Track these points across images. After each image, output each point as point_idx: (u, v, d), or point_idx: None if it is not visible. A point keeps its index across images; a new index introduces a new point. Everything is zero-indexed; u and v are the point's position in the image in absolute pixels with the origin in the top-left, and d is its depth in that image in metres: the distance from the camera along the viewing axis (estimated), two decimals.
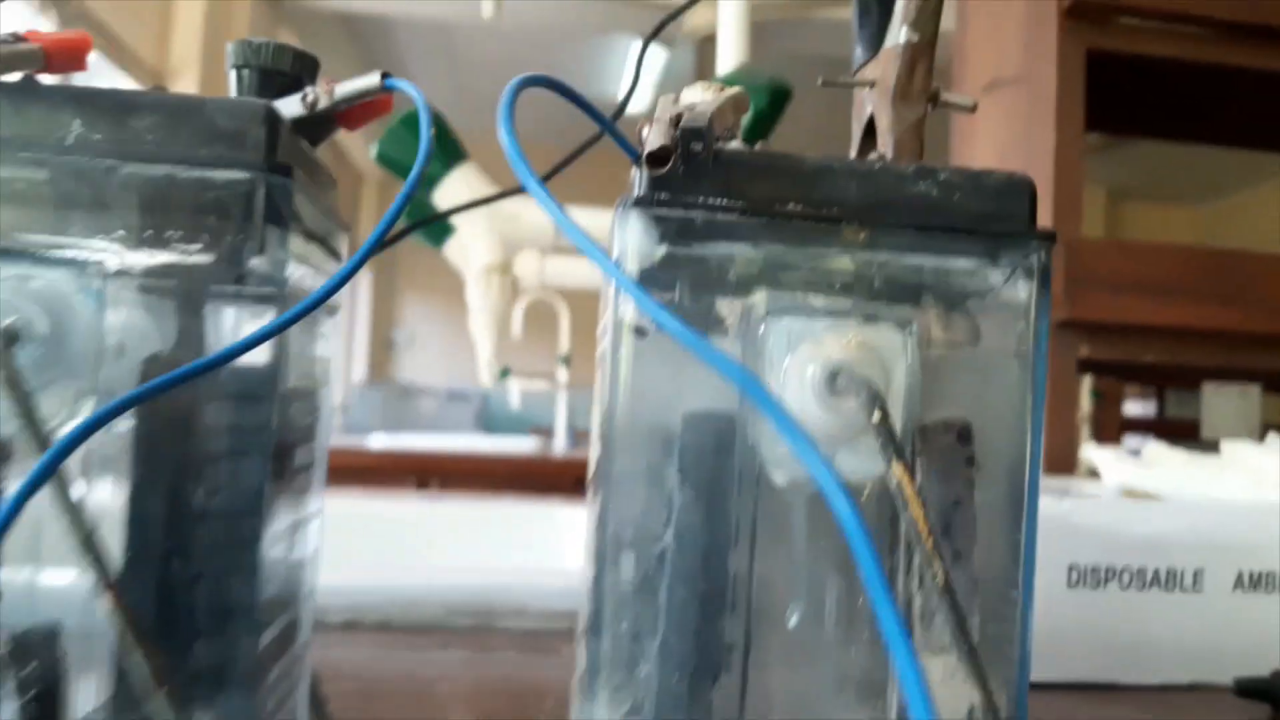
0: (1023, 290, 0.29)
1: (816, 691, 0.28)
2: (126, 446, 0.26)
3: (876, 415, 0.24)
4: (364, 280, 3.82)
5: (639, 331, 0.28)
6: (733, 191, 0.28)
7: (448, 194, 1.44)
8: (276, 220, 0.27)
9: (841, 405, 0.26)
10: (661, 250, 0.27)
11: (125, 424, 0.26)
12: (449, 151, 1.35)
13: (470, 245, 1.51)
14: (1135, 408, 3.21)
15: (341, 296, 0.30)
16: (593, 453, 0.31)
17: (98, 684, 0.26)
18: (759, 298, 0.28)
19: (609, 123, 0.28)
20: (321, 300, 0.26)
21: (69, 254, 0.26)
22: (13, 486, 0.26)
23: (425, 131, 0.29)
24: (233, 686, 0.26)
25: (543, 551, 1.06)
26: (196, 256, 0.27)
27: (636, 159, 0.27)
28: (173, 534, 0.25)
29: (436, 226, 1.52)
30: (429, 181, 1.33)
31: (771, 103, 1.31)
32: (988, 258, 0.28)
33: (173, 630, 0.25)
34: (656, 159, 0.26)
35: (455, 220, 1.50)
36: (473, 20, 2.58)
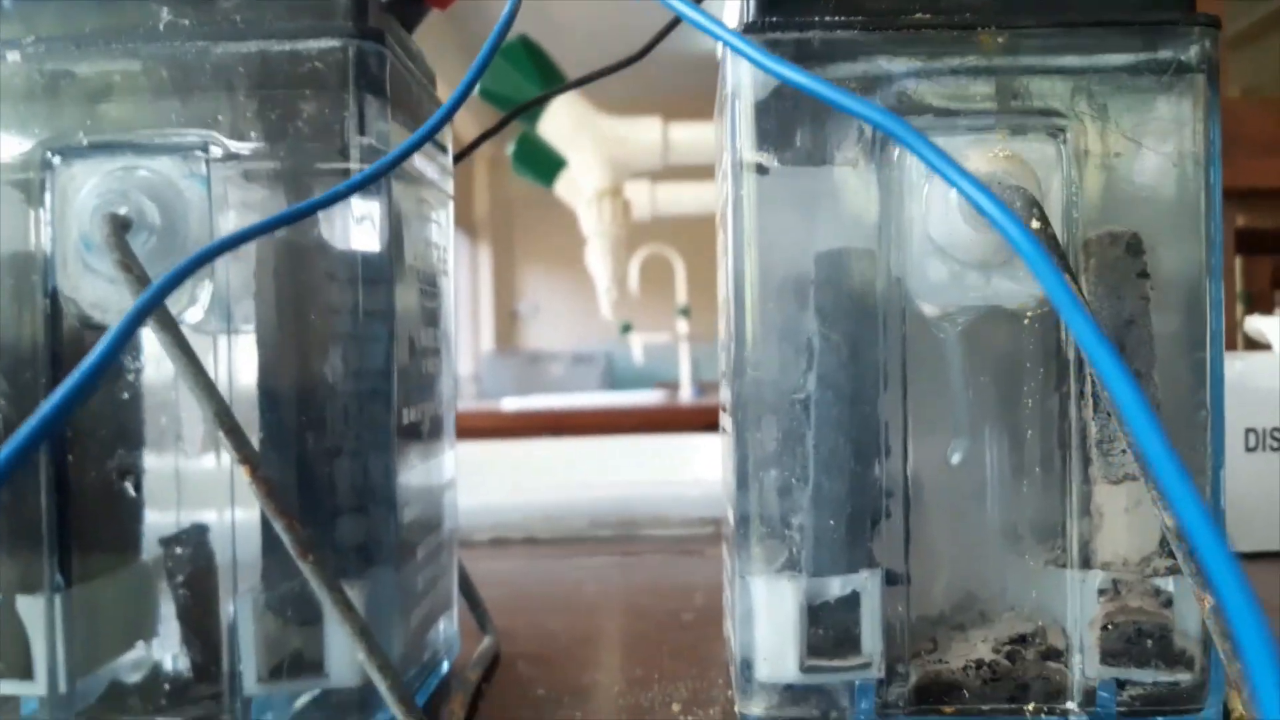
0: (1187, 85, 0.25)
1: (985, 534, 0.26)
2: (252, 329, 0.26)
3: (1035, 222, 0.22)
4: (484, 256, 3.90)
5: (760, 169, 0.26)
6: (850, 6, 0.25)
7: (550, 122, 1.43)
8: (374, 89, 0.26)
9: None
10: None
11: (248, 305, 0.26)
12: (548, 77, 1.33)
13: (580, 174, 1.49)
14: None
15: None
16: (723, 312, 0.29)
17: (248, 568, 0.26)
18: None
19: None
20: (409, 152, 0.25)
21: (172, 141, 0.26)
22: (144, 371, 0.27)
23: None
24: (379, 562, 0.25)
25: (678, 474, 1.05)
26: (298, 134, 0.26)
27: None
28: (305, 410, 0.25)
29: (546, 164, 1.51)
30: (531, 112, 1.32)
31: None
32: (1144, 51, 0.25)
33: (315, 505, 0.25)
34: None
35: (564, 151, 1.49)
36: None
